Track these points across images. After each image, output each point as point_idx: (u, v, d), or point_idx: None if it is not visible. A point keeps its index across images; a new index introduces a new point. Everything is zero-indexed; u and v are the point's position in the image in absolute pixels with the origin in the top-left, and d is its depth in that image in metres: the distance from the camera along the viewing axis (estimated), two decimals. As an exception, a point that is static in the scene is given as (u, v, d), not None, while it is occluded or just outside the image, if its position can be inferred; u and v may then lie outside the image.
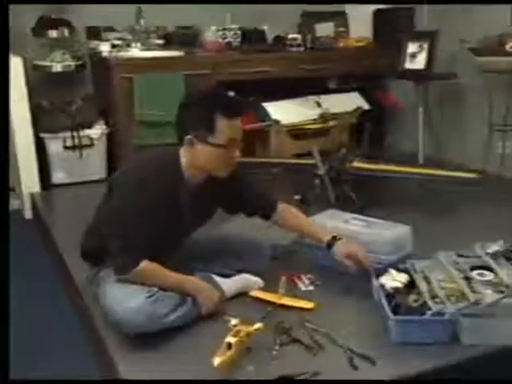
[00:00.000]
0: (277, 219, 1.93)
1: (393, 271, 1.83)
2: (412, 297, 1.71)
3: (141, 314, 1.59)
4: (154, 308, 1.61)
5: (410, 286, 1.78)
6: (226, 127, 1.64)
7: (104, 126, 3.46)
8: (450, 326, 1.60)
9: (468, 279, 1.73)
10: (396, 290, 1.75)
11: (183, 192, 1.71)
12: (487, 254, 1.87)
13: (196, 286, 1.73)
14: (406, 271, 1.85)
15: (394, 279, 1.78)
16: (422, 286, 1.75)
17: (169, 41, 3.61)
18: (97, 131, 3.42)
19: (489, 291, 1.64)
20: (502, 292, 1.62)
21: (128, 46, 3.44)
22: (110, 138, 3.47)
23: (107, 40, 3.41)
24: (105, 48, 3.35)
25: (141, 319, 1.59)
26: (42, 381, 1.69)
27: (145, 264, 1.63)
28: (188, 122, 1.68)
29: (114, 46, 3.38)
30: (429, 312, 1.61)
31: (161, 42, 3.57)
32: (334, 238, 1.85)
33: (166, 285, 1.68)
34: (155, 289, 1.65)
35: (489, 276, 1.74)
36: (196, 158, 1.68)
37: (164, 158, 1.74)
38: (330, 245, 1.85)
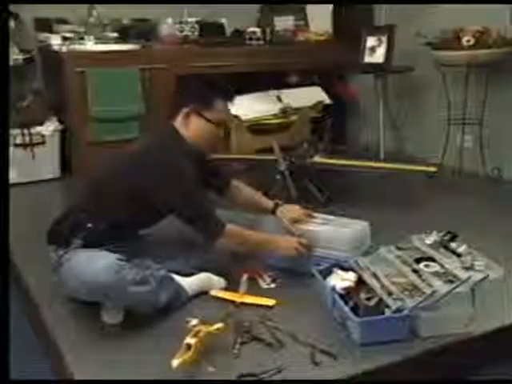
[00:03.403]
0: (229, 194, 2.15)
1: (339, 271, 1.80)
2: (363, 295, 1.67)
3: (109, 271, 1.61)
4: (121, 268, 1.64)
5: (358, 283, 1.74)
6: (221, 108, 1.90)
7: (57, 123, 3.35)
8: (410, 321, 1.59)
9: (416, 272, 1.72)
10: (347, 289, 1.71)
11: (197, 163, 1.91)
12: (428, 245, 1.86)
13: (275, 237, 1.97)
14: (351, 269, 1.82)
15: (342, 279, 1.75)
16: (373, 282, 1.72)
17: (124, 34, 3.51)
18: (49, 128, 3.31)
19: (439, 282, 1.63)
20: (451, 282, 1.61)
21: (81, 39, 3.32)
22: (63, 136, 3.36)
23: (58, 32, 3.29)
24: (56, 41, 3.23)
25: (108, 277, 1.60)
26: (42, 381, 1.69)
27: (229, 225, 1.81)
28: (189, 96, 1.90)
29: (65, 39, 3.26)
30: (387, 309, 1.58)
31: (115, 35, 3.46)
32: (276, 205, 2.14)
33: (252, 241, 1.89)
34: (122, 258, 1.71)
35: (434, 267, 1.73)
36: (189, 129, 1.89)
37: (172, 134, 1.89)
38: (273, 211, 2.13)
